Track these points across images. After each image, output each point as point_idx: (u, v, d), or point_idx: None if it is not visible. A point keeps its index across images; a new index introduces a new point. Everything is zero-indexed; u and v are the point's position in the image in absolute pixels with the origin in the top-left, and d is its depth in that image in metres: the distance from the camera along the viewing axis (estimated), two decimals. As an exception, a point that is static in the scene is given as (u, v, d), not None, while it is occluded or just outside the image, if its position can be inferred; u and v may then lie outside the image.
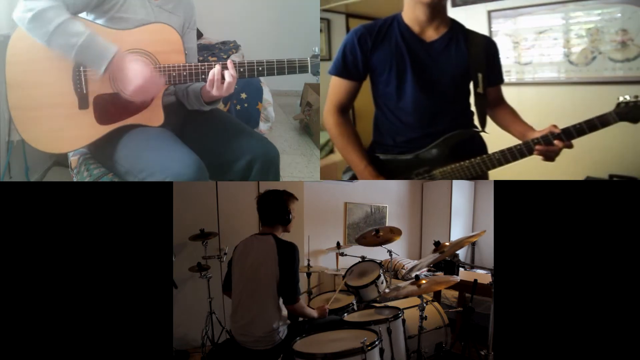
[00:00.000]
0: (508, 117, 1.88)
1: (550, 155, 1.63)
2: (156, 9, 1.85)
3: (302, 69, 1.80)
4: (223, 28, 4.48)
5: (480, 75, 1.73)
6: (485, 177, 1.89)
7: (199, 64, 1.78)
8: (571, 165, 2.57)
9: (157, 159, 1.70)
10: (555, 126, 1.60)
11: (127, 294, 1.69)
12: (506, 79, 2.67)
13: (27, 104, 1.69)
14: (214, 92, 1.78)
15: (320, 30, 3.25)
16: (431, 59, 1.72)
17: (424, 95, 1.74)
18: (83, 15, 1.72)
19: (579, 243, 1.69)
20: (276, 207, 2.00)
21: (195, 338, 2.94)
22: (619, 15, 2.39)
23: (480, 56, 1.74)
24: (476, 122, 1.85)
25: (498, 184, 1.82)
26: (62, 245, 1.68)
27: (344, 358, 1.62)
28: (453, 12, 2.96)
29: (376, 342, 1.71)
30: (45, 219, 1.69)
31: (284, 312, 1.96)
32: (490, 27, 2.84)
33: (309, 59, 1.80)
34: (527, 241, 1.73)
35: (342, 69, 1.79)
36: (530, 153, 1.64)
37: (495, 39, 2.83)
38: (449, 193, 4.80)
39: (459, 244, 2.12)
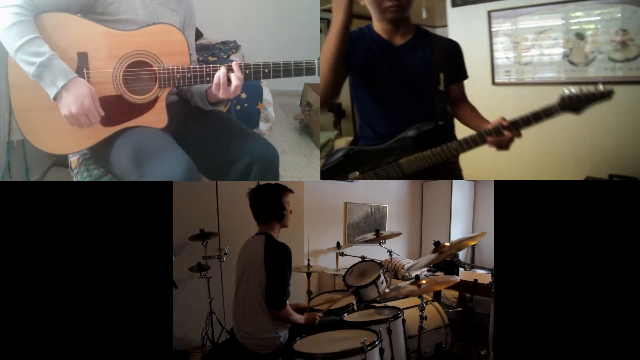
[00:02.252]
0: (468, 114, 2.02)
1: (502, 145, 1.75)
2: (157, 6, 1.84)
3: (309, 71, 1.79)
4: (223, 28, 4.48)
5: (441, 75, 1.91)
6: (457, 173, 2.00)
7: (204, 66, 1.77)
8: (571, 165, 2.58)
9: (146, 162, 1.68)
10: (503, 118, 1.74)
11: (127, 294, 1.69)
12: (506, 79, 2.67)
13: (32, 105, 1.67)
14: (221, 94, 1.77)
15: (321, 30, 3.24)
16: (400, 60, 1.90)
17: (394, 92, 1.90)
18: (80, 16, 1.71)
19: (579, 243, 1.69)
20: (268, 202, 1.97)
21: (195, 338, 2.94)
22: (619, 15, 2.39)
23: (442, 57, 1.92)
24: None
25: (498, 184, 1.82)
26: (62, 245, 1.68)
27: (344, 358, 1.62)
28: (453, 12, 2.96)
29: (376, 342, 1.71)
30: (45, 219, 1.69)
31: None
32: (490, 27, 2.84)
33: (316, 60, 1.78)
34: (527, 241, 1.73)
35: None
36: (484, 142, 1.77)
37: (495, 39, 2.83)
38: (449, 193, 4.80)
39: (458, 245, 2.12)
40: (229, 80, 1.75)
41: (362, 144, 1.98)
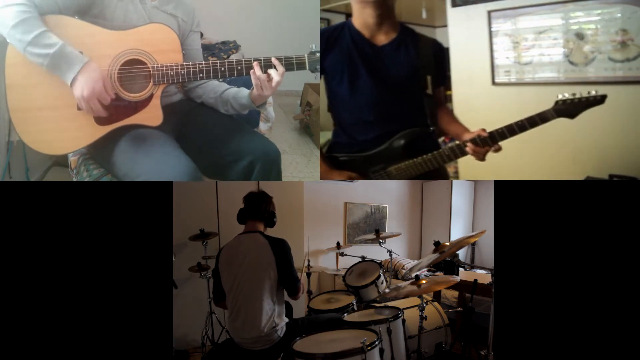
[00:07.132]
0: (446, 118, 1.99)
1: (478, 157, 1.75)
2: (153, 10, 1.85)
3: (300, 65, 1.81)
4: (223, 28, 4.47)
5: (429, 78, 1.87)
6: (444, 173, 1.99)
7: (197, 62, 1.78)
8: (571, 165, 2.58)
9: (152, 165, 1.69)
10: (483, 129, 1.73)
11: (127, 294, 1.69)
12: (506, 79, 2.67)
13: (27, 105, 1.69)
14: (266, 92, 1.81)
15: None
16: (382, 62, 1.82)
17: (377, 96, 1.83)
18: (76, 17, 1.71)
19: (579, 243, 1.69)
20: (269, 208, 2.05)
21: (195, 338, 2.94)
22: (619, 15, 2.39)
23: (429, 59, 1.86)
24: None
25: (498, 184, 1.82)
26: (62, 245, 1.68)
27: (344, 358, 1.62)
28: (453, 12, 2.96)
29: (376, 342, 1.71)
30: (45, 219, 1.69)
31: (283, 308, 1.96)
32: (490, 27, 2.84)
33: (306, 55, 1.80)
34: (527, 241, 1.73)
35: None
36: (464, 154, 1.78)
37: (495, 39, 2.83)
38: (449, 193, 4.80)
39: (459, 244, 2.12)
40: (269, 77, 1.78)
41: (337, 151, 1.93)
